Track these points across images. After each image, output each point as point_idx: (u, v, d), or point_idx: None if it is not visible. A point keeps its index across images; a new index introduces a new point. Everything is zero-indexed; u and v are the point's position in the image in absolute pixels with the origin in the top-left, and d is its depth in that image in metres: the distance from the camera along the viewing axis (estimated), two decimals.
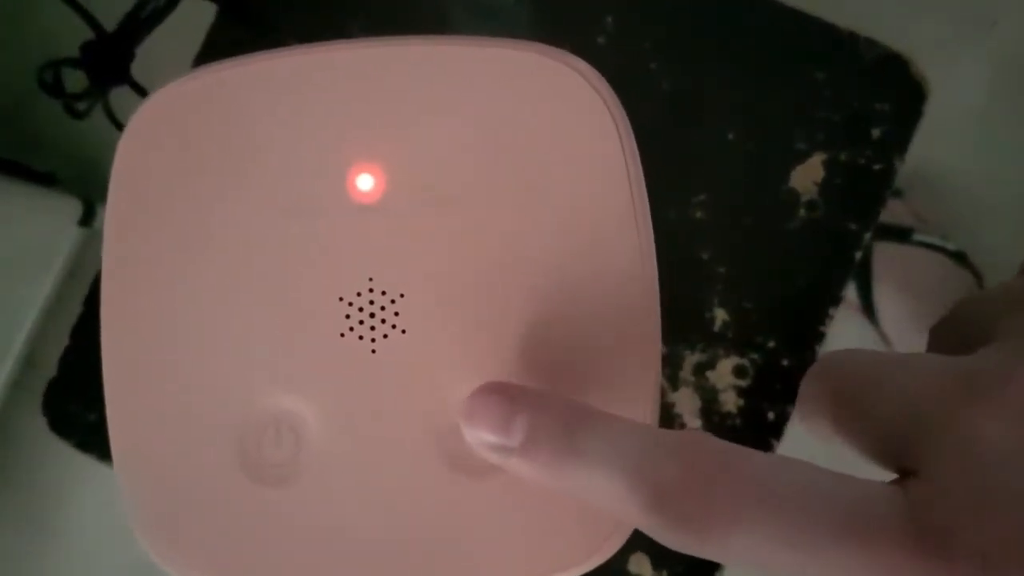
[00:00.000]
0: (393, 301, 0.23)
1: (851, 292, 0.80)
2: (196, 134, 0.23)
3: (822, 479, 0.17)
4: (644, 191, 0.22)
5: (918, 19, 0.83)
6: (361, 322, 0.23)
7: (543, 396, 0.20)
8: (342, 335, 0.23)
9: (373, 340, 0.23)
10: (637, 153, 0.23)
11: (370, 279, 0.23)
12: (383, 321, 0.23)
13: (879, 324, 0.80)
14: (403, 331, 0.23)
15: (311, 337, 0.23)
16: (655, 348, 0.23)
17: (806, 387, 0.20)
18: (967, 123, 0.83)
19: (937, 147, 0.81)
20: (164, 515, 0.23)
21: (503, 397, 0.20)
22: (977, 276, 0.79)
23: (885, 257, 0.79)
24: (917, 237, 0.78)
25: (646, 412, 0.23)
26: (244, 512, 0.23)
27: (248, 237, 0.23)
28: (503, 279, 0.23)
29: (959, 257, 0.79)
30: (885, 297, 0.79)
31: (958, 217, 0.83)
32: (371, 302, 0.23)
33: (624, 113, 0.23)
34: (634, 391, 0.23)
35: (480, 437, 0.20)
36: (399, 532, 0.23)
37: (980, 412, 0.16)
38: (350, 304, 0.23)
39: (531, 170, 0.23)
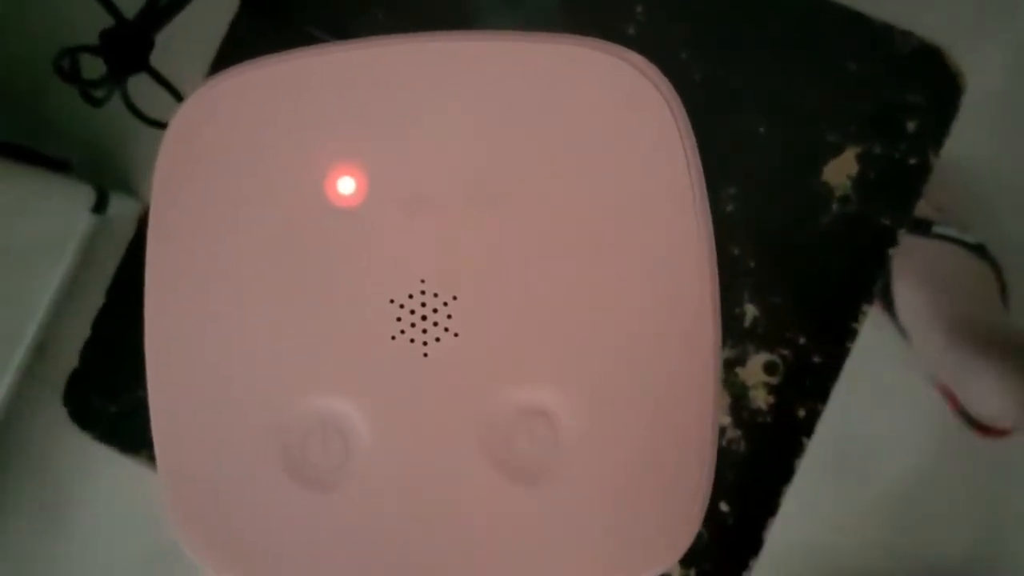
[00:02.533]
0: (446, 304, 0.22)
1: None
2: (241, 131, 0.23)
3: None
4: (705, 194, 0.22)
5: (938, 6, 0.82)
6: (413, 325, 0.23)
7: None
8: (393, 338, 0.23)
9: (425, 343, 0.23)
10: (698, 153, 0.22)
11: (422, 281, 0.22)
12: (435, 324, 0.22)
13: (897, 315, 0.79)
14: (456, 334, 0.22)
15: (361, 339, 0.22)
16: (713, 356, 0.22)
17: None
18: (988, 113, 0.83)
19: (957, 138, 0.80)
20: (204, 514, 0.23)
21: None
22: (996, 268, 0.79)
23: (904, 249, 0.78)
24: (937, 229, 0.77)
25: (704, 423, 0.22)
26: (287, 515, 0.23)
27: (297, 238, 0.22)
28: (557, 281, 0.22)
29: (979, 249, 0.78)
30: (904, 289, 0.78)
31: (978, 209, 0.82)
32: (423, 304, 0.23)
33: (684, 110, 0.22)
34: (691, 396, 0.22)
35: None
36: (448, 539, 0.22)
37: None
38: (401, 306, 0.23)
39: (587, 169, 0.22)
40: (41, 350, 0.86)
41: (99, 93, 0.58)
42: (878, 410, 0.85)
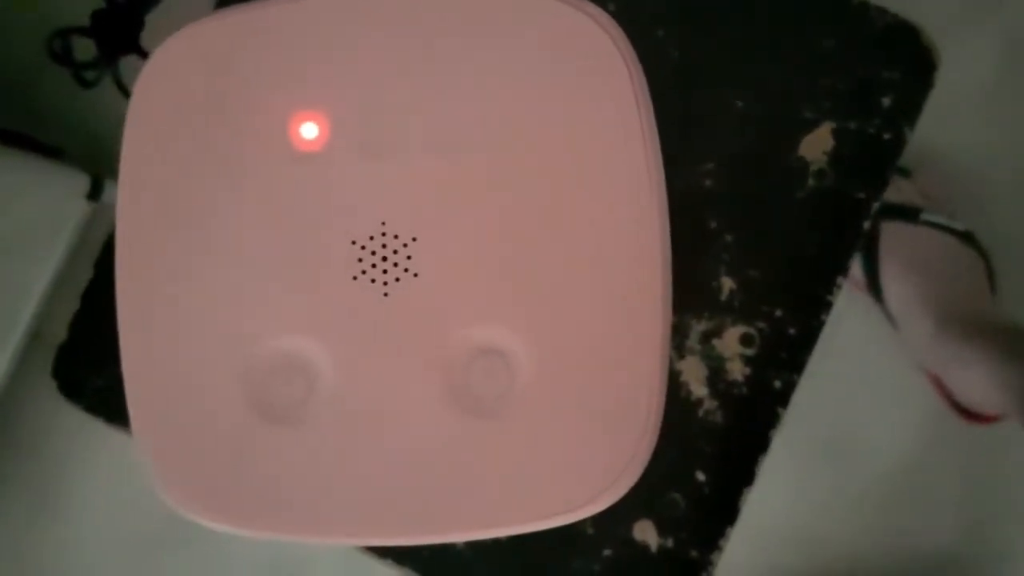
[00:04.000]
0: (406, 245, 0.23)
1: (858, 271, 0.80)
2: (206, 81, 0.23)
3: None
4: (656, 137, 0.23)
5: None
6: (374, 265, 0.23)
7: None
8: (354, 278, 0.23)
9: (385, 283, 0.23)
10: (650, 101, 0.23)
11: (383, 223, 0.23)
12: (395, 264, 0.23)
13: (885, 303, 0.80)
14: (415, 274, 0.23)
15: (323, 279, 0.23)
16: (661, 294, 0.23)
17: None
18: (975, 102, 0.83)
19: (945, 126, 0.81)
20: (184, 465, 0.24)
21: None
22: (984, 256, 0.79)
23: (892, 236, 0.79)
24: (925, 216, 0.78)
25: (654, 360, 0.23)
26: (259, 452, 0.23)
27: (262, 181, 0.23)
28: (514, 224, 0.23)
29: (967, 237, 0.78)
30: (892, 276, 0.79)
31: (966, 197, 0.83)
32: (384, 246, 0.23)
33: (637, 60, 0.23)
34: (640, 339, 0.23)
35: None
36: (408, 470, 0.23)
37: None
38: (363, 248, 0.23)
39: (543, 116, 0.23)
40: (37, 336, 0.86)
41: (91, 75, 0.58)
42: (867, 398, 0.86)
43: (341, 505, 0.23)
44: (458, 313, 0.23)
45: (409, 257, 0.23)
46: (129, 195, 0.23)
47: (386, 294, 0.23)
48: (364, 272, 0.23)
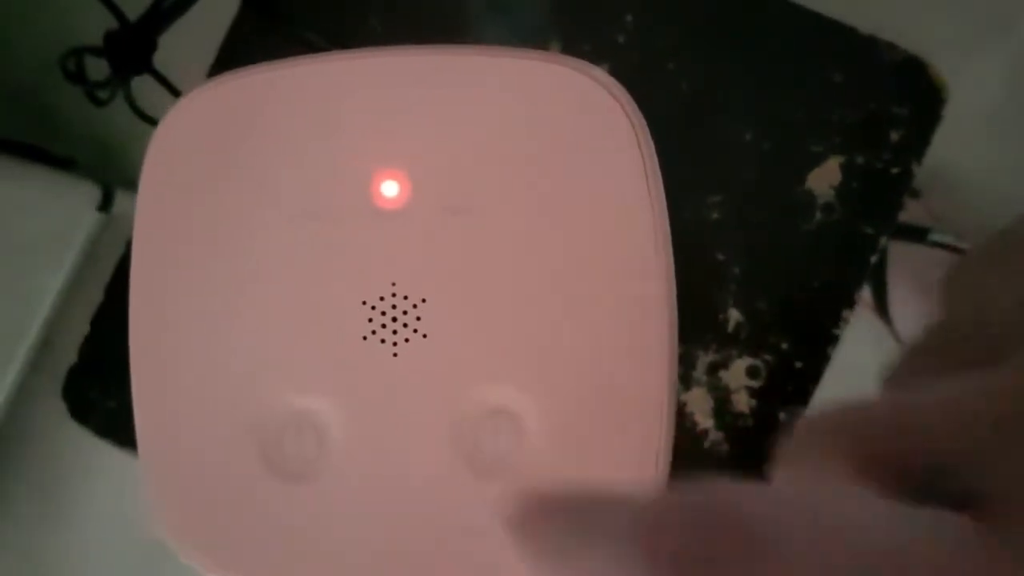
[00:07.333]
0: (415, 306, 0.23)
1: (865, 291, 0.80)
2: (226, 137, 0.24)
3: (871, 514, 0.13)
4: (664, 203, 0.23)
5: (934, 19, 0.83)
6: (383, 326, 0.24)
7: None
8: (364, 338, 0.23)
9: (395, 344, 0.23)
10: (657, 166, 0.23)
11: (393, 284, 0.23)
12: (405, 325, 0.23)
13: (893, 323, 0.80)
14: (424, 335, 0.23)
15: (334, 339, 0.23)
16: (668, 358, 0.23)
17: (807, 442, 0.16)
18: (984, 123, 0.83)
19: (954, 147, 0.81)
20: (191, 515, 0.24)
21: None
22: None
23: (901, 257, 0.79)
24: (933, 237, 0.78)
25: (660, 418, 0.23)
26: (267, 508, 0.24)
27: (275, 241, 0.23)
28: (522, 286, 0.23)
29: None
30: (900, 297, 0.79)
31: (974, 217, 0.83)
32: (394, 306, 0.23)
33: (645, 125, 0.23)
34: (645, 398, 0.23)
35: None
36: (415, 527, 0.23)
37: None
38: (373, 308, 0.24)
39: (553, 180, 0.23)
40: (46, 346, 0.87)
41: (103, 94, 0.59)
42: None
43: (347, 561, 0.23)
44: (466, 373, 0.23)
45: (419, 318, 0.23)
46: (144, 251, 0.24)
47: (396, 354, 0.23)
48: (374, 332, 0.24)
